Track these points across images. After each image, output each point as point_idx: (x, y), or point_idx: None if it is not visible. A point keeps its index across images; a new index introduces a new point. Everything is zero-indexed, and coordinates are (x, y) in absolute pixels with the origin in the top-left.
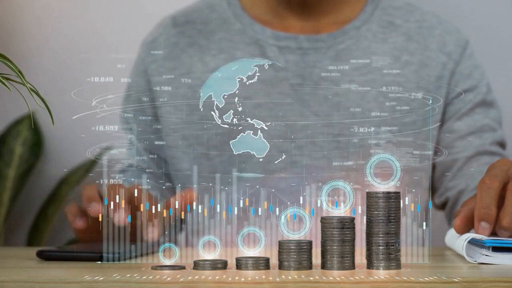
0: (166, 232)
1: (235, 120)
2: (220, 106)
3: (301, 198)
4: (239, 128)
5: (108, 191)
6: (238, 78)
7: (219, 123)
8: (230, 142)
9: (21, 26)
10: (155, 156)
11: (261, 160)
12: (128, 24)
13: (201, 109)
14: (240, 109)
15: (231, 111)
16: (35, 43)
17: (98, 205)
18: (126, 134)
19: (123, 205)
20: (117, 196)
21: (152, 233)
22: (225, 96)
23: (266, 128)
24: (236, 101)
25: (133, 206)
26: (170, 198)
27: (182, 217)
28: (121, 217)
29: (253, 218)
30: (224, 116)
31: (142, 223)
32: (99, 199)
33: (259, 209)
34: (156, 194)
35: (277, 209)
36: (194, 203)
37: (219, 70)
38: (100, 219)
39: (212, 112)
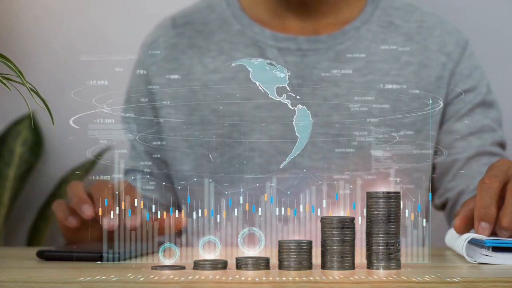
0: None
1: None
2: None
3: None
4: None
5: (95, 189)
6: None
7: None
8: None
9: (21, 26)
10: (158, 156)
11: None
12: (128, 24)
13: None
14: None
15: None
16: (35, 43)
17: (91, 208)
18: (126, 135)
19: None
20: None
21: (131, 220)
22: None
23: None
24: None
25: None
26: (161, 221)
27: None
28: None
29: (253, 218)
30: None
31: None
32: (89, 200)
33: (259, 209)
34: (157, 197)
35: (277, 209)
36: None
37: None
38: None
39: None
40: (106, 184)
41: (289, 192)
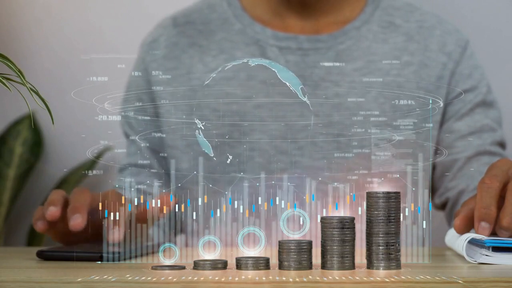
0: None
1: None
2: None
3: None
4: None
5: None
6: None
7: None
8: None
9: (21, 26)
10: (164, 154)
11: (214, 158)
12: (128, 24)
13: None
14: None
15: None
16: (35, 43)
17: (56, 210)
18: (126, 133)
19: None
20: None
21: (115, 233)
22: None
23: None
24: None
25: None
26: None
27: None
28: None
29: (253, 218)
30: None
31: (108, 226)
32: (60, 204)
33: (259, 209)
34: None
35: (277, 209)
36: (168, 208)
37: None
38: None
39: None
40: (85, 191)
41: (288, 183)
